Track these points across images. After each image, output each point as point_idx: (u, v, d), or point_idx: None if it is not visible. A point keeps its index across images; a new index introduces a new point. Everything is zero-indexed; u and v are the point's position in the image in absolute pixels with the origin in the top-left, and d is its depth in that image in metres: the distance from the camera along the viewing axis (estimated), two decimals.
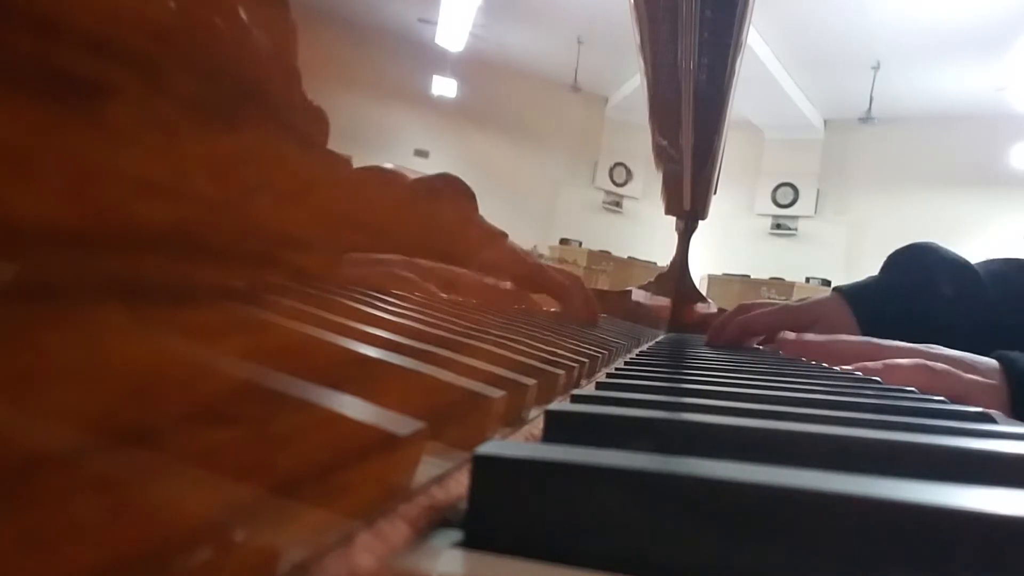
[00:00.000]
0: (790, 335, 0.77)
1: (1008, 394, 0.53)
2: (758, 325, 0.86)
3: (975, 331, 0.60)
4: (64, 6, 0.10)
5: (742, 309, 0.89)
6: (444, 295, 0.33)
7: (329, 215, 0.22)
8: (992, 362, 0.56)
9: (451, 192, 0.33)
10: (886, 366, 0.53)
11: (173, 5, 0.13)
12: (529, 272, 0.53)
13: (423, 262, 0.30)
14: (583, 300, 0.65)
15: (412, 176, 0.32)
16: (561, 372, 0.29)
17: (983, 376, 0.53)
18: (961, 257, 0.82)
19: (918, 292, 0.79)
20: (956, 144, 6.23)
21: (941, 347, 0.58)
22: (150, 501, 0.09)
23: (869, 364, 0.55)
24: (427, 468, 0.15)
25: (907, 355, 0.55)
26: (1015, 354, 0.56)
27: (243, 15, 0.16)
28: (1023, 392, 0.53)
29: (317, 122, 0.20)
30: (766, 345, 0.87)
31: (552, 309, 0.61)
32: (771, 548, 0.12)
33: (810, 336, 0.70)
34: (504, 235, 0.41)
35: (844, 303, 0.82)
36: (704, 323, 1.37)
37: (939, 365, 0.53)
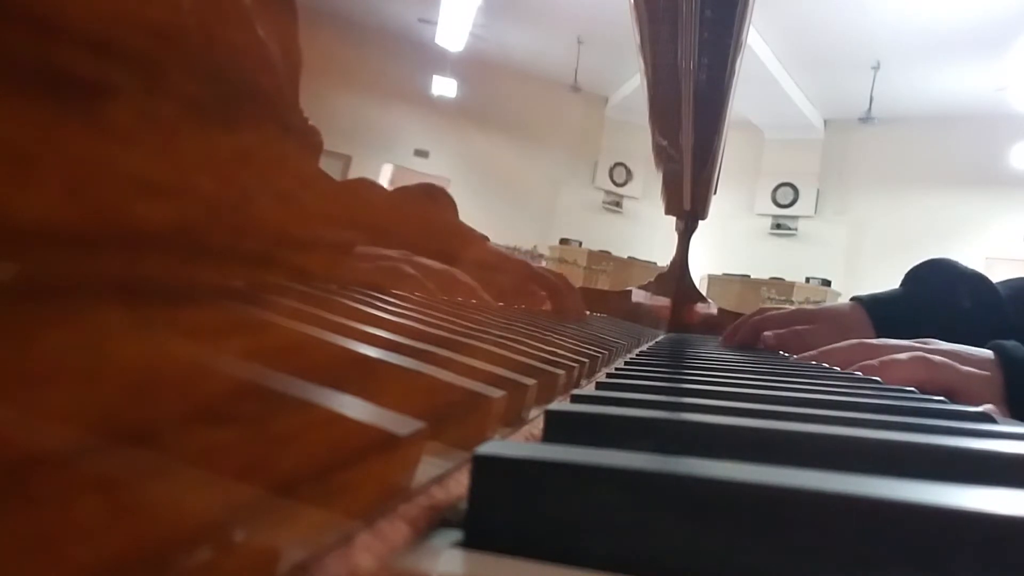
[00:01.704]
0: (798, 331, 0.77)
1: (1003, 383, 0.53)
2: (772, 325, 0.87)
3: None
4: (64, 6, 0.10)
5: (761, 312, 0.89)
6: (444, 293, 0.33)
7: (322, 218, 0.22)
8: (987, 352, 0.56)
9: (432, 200, 0.34)
10: (883, 363, 0.53)
11: (173, 5, 0.13)
12: (515, 271, 0.53)
13: (425, 260, 0.30)
14: (571, 298, 0.65)
15: (411, 177, 0.32)
16: (561, 372, 0.29)
17: (979, 366, 0.54)
18: (977, 271, 0.83)
19: (937, 303, 0.80)
20: (956, 144, 6.23)
21: (936, 340, 0.59)
22: (150, 501, 0.09)
23: (866, 362, 0.55)
24: (427, 468, 0.15)
25: (903, 350, 0.56)
26: (1010, 344, 0.56)
27: (247, 20, 0.16)
28: (1018, 380, 0.53)
29: (312, 139, 0.20)
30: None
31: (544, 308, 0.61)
32: (771, 548, 0.12)
33: (801, 336, 0.70)
34: (485, 238, 0.41)
35: (863, 311, 0.82)
36: (704, 323, 1.37)
37: (937, 357, 0.53)
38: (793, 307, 0.96)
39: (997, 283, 0.82)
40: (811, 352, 0.66)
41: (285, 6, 0.18)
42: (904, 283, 0.87)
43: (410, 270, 0.29)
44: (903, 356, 0.54)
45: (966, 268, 0.84)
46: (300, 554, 0.10)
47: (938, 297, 0.80)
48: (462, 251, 0.38)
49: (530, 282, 0.56)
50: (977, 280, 0.81)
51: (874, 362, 0.54)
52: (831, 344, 0.64)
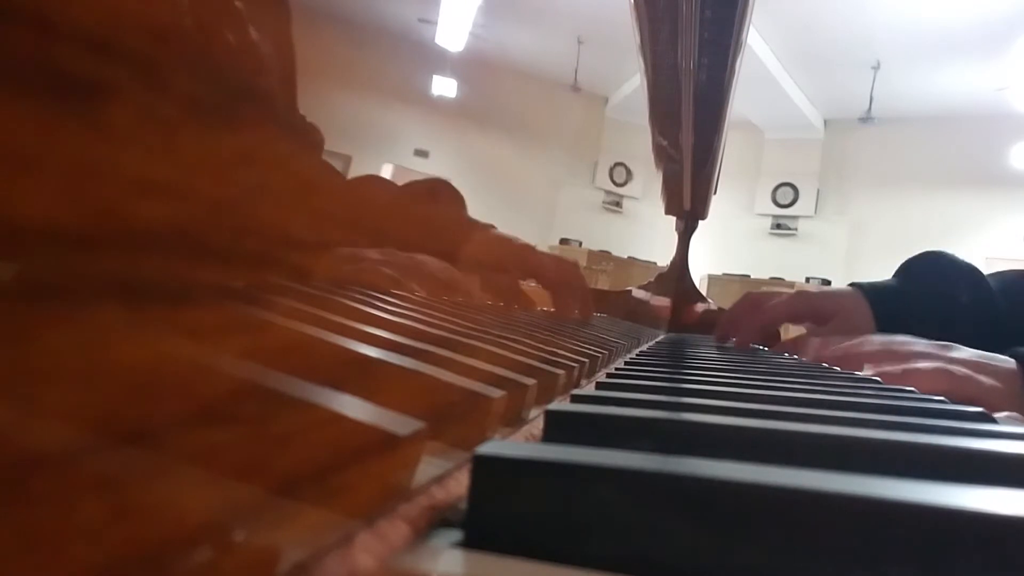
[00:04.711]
0: (813, 340, 0.76)
1: None
2: (776, 318, 0.85)
3: (986, 337, 0.60)
4: (64, 6, 0.10)
5: (750, 298, 0.87)
6: (428, 290, 0.33)
7: (325, 216, 0.22)
8: (1009, 361, 0.56)
9: (440, 194, 0.34)
10: (905, 372, 0.53)
11: (173, 5, 0.13)
12: (519, 255, 0.53)
13: (409, 256, 0.30)
14: (578, 288, 0.64)
15: (410, 179, 0.32)
16: (561, 372, 0.29)
17: (1000, 376, 0.53)
18: (973, 265, 0.83)
19: (935, 296, 0.79)
20: (956, 144, 6.23)
21: (959, 346, 0.58)
22: (150, 501, 0.09)
23: (888, 369, 0.54)
24: (427, 468, 0.15)
25: (927, 358, 0.55)
26: None
27: (243, 21, 0.16)
28: None
29: (311, 136, 0.20)
30: (778, 344, 0.86)
31: (547, 308, 0.61)
32: (771, 548, 0.12)
33: (830, 344, 0.68)
34: (491, 226, 0.41)
35: (863, 299, 0.81)
36: (704, 323, 1.37)
37: (959, 369, 0.53)
38: (788, 291, 0.91)
39: (991, 274, 0.82)
40: (834, 352, 0.65)
41: (278, 4, 0.18)
42: (899, 274, 0.86)
43: (387, 270, 0.28)
44: (926, 366, 0.53)
45: (960, 261, 0.84)
46: (300, 554, 0.10)
47: (937, 291, 0.80)
48: (467, 243, 0.38)
49: (535, 268, 0.56)
50: (972, 273, 0.81)
51: (897, 370, 0.54)
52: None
